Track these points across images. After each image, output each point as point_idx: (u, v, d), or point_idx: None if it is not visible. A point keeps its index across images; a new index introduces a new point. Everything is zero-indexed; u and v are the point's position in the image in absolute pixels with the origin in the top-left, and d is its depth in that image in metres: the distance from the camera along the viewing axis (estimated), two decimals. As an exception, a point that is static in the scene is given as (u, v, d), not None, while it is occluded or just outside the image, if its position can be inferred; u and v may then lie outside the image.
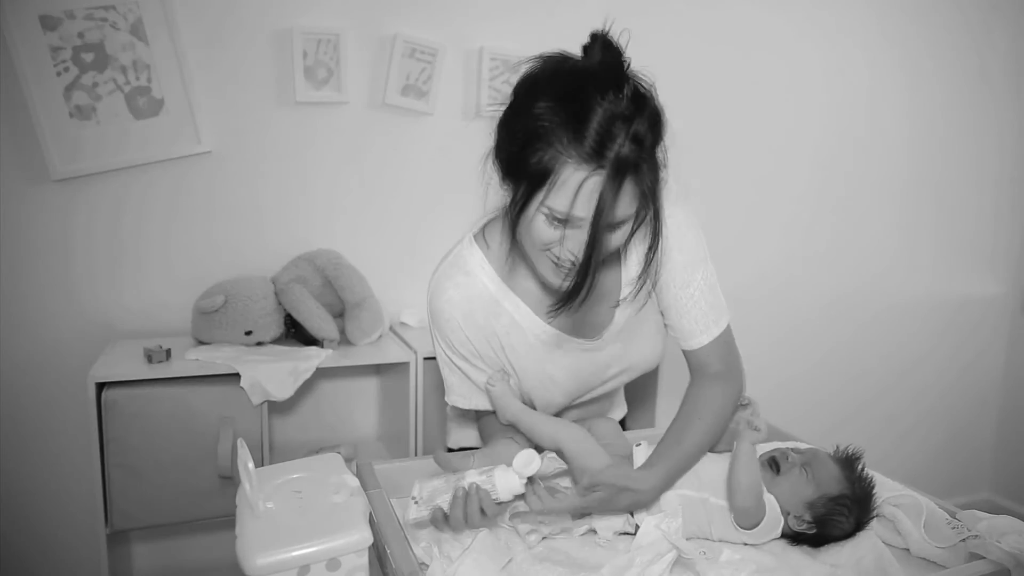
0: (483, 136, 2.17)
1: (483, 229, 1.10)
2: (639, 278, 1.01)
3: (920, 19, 2.52)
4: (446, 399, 1.15)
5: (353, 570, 0.76)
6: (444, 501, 0.91)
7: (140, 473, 1.51)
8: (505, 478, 0.90)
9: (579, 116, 0.83)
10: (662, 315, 1.12)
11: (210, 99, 1.75)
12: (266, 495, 0.80)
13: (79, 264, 1.73)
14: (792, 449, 1.05)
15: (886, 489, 1.05)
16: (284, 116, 1.83)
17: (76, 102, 1.64)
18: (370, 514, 0.84)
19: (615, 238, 0.92)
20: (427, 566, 0.87)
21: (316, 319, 1.71)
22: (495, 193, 0.99)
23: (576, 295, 0.92)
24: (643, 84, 0.87)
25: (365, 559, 0.77)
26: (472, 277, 1.06)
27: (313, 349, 1.71)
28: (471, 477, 0.92)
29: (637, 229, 0.93)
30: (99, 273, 1.75)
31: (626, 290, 1.07)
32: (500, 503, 0.91)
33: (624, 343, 1.12)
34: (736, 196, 2.34)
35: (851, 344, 2.68)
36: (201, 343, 1.69)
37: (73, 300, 1.74)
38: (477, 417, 1.20)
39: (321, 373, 1.72)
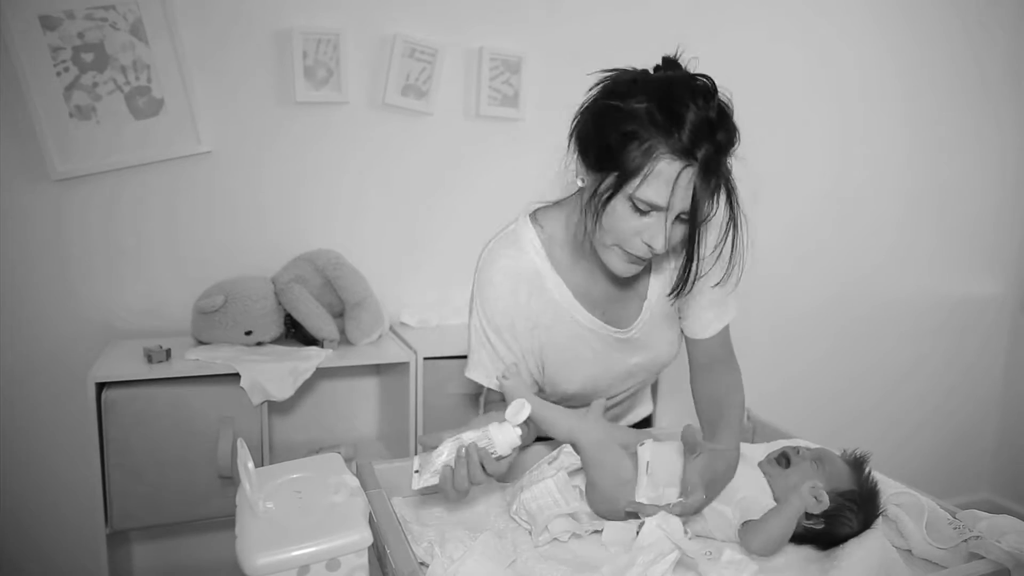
0: (483, 136, 2.17)
1: (536, 212, 1.17)
2: (725, 272, 1.07)
3: (919, 19, 2.52)
4: (466, 373, 1.18)
5: (353, 570, 0.76)
6: (448, 462, 0.92)
7: (140, 473, 1.51)
8: (501, 431, 0.92)
9: (676, 115, 0.92)
10: (679, 307, 1.19)
11: (210, 99, 1.75)
12: (266, 495, 0.80)
13: (79, 264, 1.73)
14: (802, 447, 1.06)
15: (888, 488, 1.05)
16: (284, 116, 1.83)
17: (76, 102, 1.64)
18: (370, 514, 0.84)
19: (680, 229, 1.00)
20: (427, 566, 0.86)
21: (316, 319, 1.71)
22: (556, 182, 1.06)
23: (687, 282, 1.02)
24: (725, 99, 0.98)
25: (365, 559, 0.77)
26: (523, 252, 1.13)
27: (313, 349, 1.71)
28: (468, 438, 0.93)
29: (707, 222, 1.01)
30: (98, 273, 1.75)
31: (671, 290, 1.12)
32: (500, 458, 0.93)
33: (647, 336, 1.19)
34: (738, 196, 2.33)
35: (851, 344, 2.68)
36: (201, 343, 1.69)
37: (73, 300, 1.74)
38: (485, 404, 1.24)
39: (321, 373, 1.72)
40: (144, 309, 1.79)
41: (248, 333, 1.68)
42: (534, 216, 1.16)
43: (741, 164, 1.01)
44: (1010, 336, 2.98)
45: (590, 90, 1.03)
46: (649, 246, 0.99)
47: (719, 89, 0.97)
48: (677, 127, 0.92)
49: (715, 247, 1.05)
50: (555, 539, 0.98)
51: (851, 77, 2.46)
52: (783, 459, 1.02)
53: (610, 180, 0.97)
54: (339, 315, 1.80)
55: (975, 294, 2.88)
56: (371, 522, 0.83)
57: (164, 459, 1.52)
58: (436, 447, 0.95)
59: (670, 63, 1.00)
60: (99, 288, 1.75)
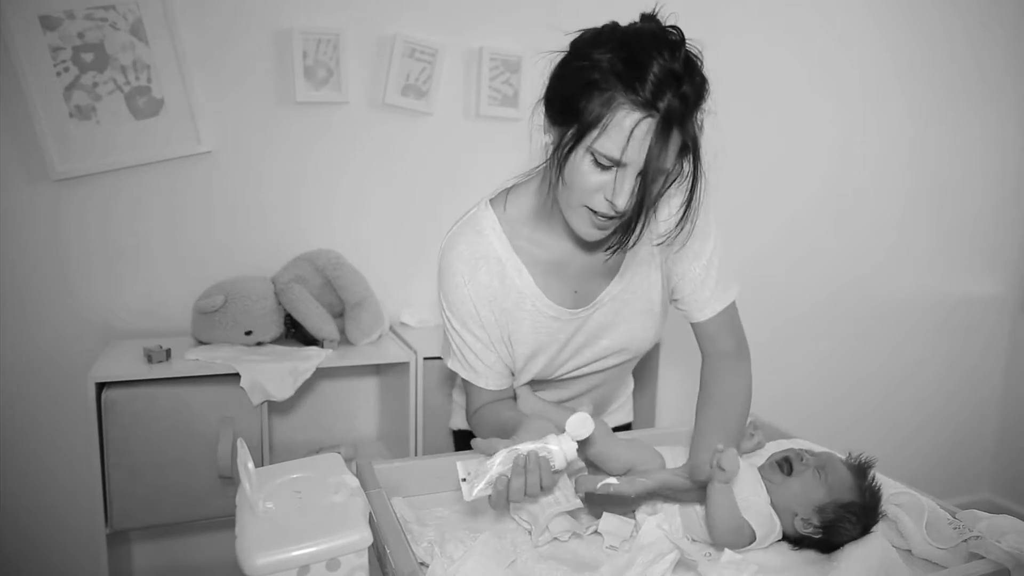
0: (483, 136, 2.17)
1: (505, 193, 1.14)
2: (677, 225, 1.03)
3: (919, 19, 2.52)
4: (447, 363, 1.18)
5: (353, 570, 0.76)
6: (503, 472, 0.89)
7: (140, 473, 1.51)
8: (560, 443, 0.89)
9: (638, 65, 0.88)
10: (672, 290, 1.16)
11: (210, 99, 1.75)
12: (266, 495, 0.80)
13: (78, 264, 1.73)
14: (807, 451, 1.04)
15: (888, 488, 1.05)
16: (284, 116, 1.83)
17: (76, 102, 1.64)
18: (370, 514, 0.84)
19: (655, 188, 0.95)
20: (427, 566, 0.86)
21: (316, 319, 1.71)
22: (537, 145, 1.03)
23: (629, 237, 0.97)
24: (694, 52, 0.93)
25: (365, 559, 0.77)
26: (482, 236, 1.10)
27: (313, 349, 1.71)
28: (526, 448, 0.89)
29: (672, 182, 0.97)
30: (98, 273, 1.75)
31: (643, 247, 1.09)
32: (556, 472, 0.90)
33: (616, 312, 1.15)
34: (738, 197, 2.33)
35: (851, 344, 2.68)
36: (201, 343, 1.69)
37: (72, 300, 1.74)
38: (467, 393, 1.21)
39: (321, 373, 1.72)
40: (144, 309, 1.79)
41: (248, 333, 1.68)
42: (496, 200, 1.13)
43: (710, 121, 0.96)
44: (1010, 336, 2.98)
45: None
46: (611, 203, 0.95)
47: (688, 41, 0.93)
48: (638, 77, 0.88)
49: (679, 207, 1.02)
50: (555, 539, 0.98)
51: (851, 77, 2.46)
52: (785, 464, 1.01)
53: (571, 132, 0.94)
54: (339, 315, 1.80)
55: (975, 294, 2.88)
56: (371, 522, 0.83)
57: (164, 459, 1.52)
58: (490, 455, 0.90)
59: (647, 18, 0.96)
60: (99, 288, 1.75)
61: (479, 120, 1.99)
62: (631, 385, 1.46)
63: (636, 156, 0.91)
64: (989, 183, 2.80)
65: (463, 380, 1.17)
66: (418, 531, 0.97)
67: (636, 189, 0.93)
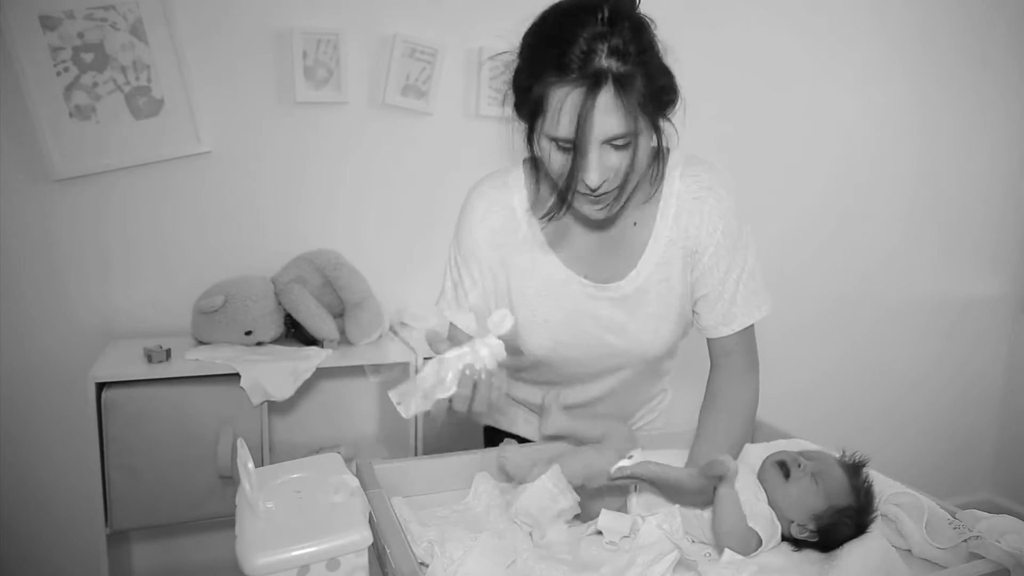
0: (483, 136, 2.17)
1: (528, 160, 1.12)
2: (655, 157, 1.01)
3: (924, 22, 2.52)
4: (435, 305, 1.19)
5: (353, 570, 0.76)
6: (425, 384, 0.88)
7: (140, 473, 1.51)
8: (488, 346, 0.88)
9: (559, 41, 0.87)
10: (695, 301, 1.12)
11: (210, 99, 1.75)
12: (266, 495, 0.80)
13: (78, 264, 1.73)
14: (801, 453, 1.03)
15: (887, 488, 1.05)
16: (284, 116, 1.83)
17: (76, 102, 1.64)
18: (370, 514, 0.84)
19: (616, 157, 0.92)
20: (427, 566, 0.86)
21: (316, 319, 1.71)
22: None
23: (562, 204, 0.95)
24: (624, 3, 0.89)
25: (365, 559, 0.77)
26: (506, 187, 1.10)
27: (313, 349, 1.71)
28: (453, 353, 0.88)
29: (636, 148, 0.92)
30: (98, 273, 1.75)
31: (655, 245, 1.07)
32: (491, 373, 0.88)
33: (628, 313, 1.11)
34: (741, 200, 2.33)
35: (851, 344, 2.68)
36: (201, 343, 1.69)
37: (72, 300, 1.74)
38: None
39: (321, 373, 1.72)
40: (144, 309, 1.79)
41: (248, 333, 1.68)
42: (528, 160, 1.11)
43: (677, 67, 0.93)
44: (1011, 337, 2.98)
45: None
46: (585, 183, 0.92)
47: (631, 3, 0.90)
48: (561, 51, 0.85)
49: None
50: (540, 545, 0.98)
51: (856, 83, 2.45)
52: (782, 467, 1.00)
53: (528, 124, 0.94)
54: (339, 315, 1.80)
55: (976, 295, 2.88)
56: (371, 522, 0.83)
57: (164, 459, 1.52)
58: (434, 348, 0.90)
59: None
60: (98, 288, 1.75)
61: (479, 120, 1.99)
62: (661, 399, 1.37)
63: (587, 129, 0.87)
64: (990, 184, 2.79)
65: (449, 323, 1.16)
66: (418, 531, 0.97)
67: (600, 162, 0.91)
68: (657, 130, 0.94)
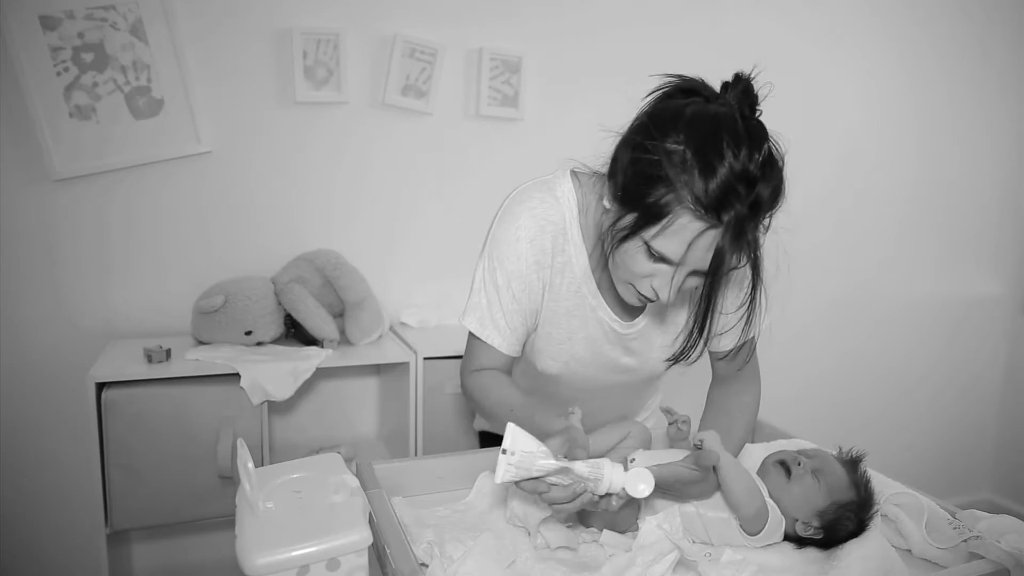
0: (483, 136, 2.17)
1: (578, 175, 1.08)
2: (743, 320, 1.01)
3: (923, 22, 2.52)
4: (462, 320, 1.10)
5: (353, 570, 0.76)
6: (538, 472, 0.81)
7: (140, 473, 1.51)
8: (614, 477, 0.82)
9: (710, 167, 0.83)
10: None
11: (210, 99, 1.75)
12: (266, 495, 0.80)
13: (78, 264, 1.73)
14: (800, 452, 1.04)
15: (887, 488, 1.05)
16: (284, 116, 1.83)
17: (76, 102, 1.64)
18: (370, 514, 0.84)
19: (694, 281, 0.93)
20: (427, 566, 0.86)
21: (316, 319, 1.71)
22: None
23: (693, 349, 0.97)
24: (777, 150, 0.89)
25: (365, 559, 0.77)
26: (558, 202, 1.04)
27: (313, 349, 1.71)
28: (580, 467, 0.82)
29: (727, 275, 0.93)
30: (98, 273, 1.75)
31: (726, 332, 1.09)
32: (595, 498, 0.85)
33: (645, 338, 1.12)
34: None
35: (851, 345, 2.68)
36: (201, 343, 1.69)
37: (72, 300, 1.74)
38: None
39: (321, 373, 1.72)
40: (144, 309, 1.79)
41: (248, 333, 1.68)
42: (574, 174, 1.07)
43: (773, 236, 0.93)
44: (1011, 337, 2.98)
45: (636, 116, 0.94)
46: (656, 293, 0.92)
47: (773, 137, 0.88)
48: (707, 179, 0.82)
49: (736, 309, 1.00)
50: (548, 547, 0.97)
51: (856, 83, 2.46)
52: (783, 466, 1.00)
53: (629, 219, 0.89)
54: (339, 315, 1.80)
55: (976, 295, 2.88)
56: (371, 522, 0.83)
57: (164, 459, 1.52)
58: (541, 452, 0.82)
59: (742, 85, 0.89)
60: (98, 288, 1.75)
61: (479, 120, 1.99)
62: (655, 400, 1.40)
63: (694, 262, 0.88)
64: (991, 184, 2.80)
65: (470, 337, 1.11)
66: (417, 531, 0.97)
67: (681, 284, 0.91)
68: (756, 268, 0.93)
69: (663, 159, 0.85)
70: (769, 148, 0.86)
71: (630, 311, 1.10)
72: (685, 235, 0.85)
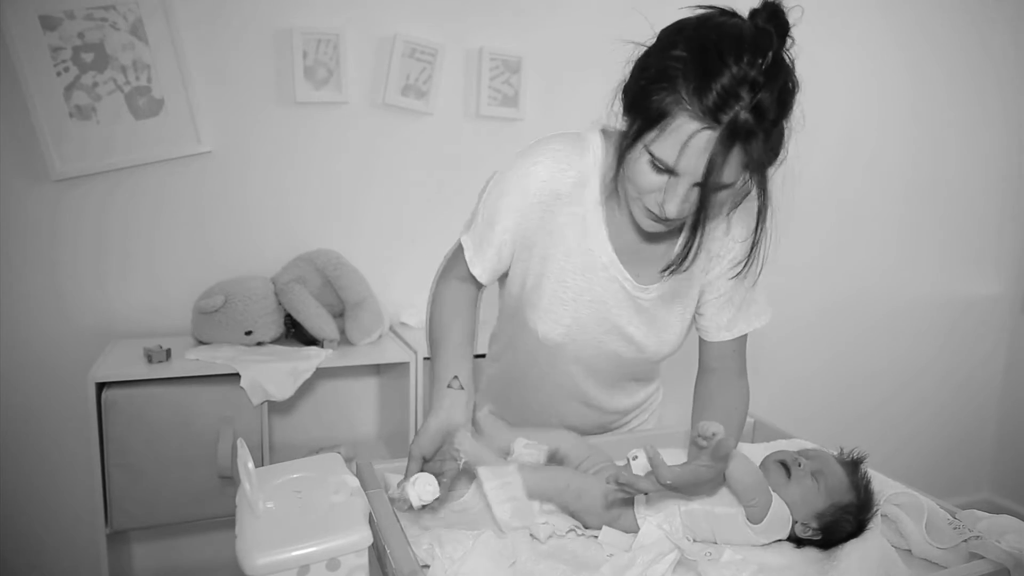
0: (483, 136, 2.17)
1: (606, 131, 1.06)
2: (750, 252, 0.98)
3: (925, 22, 2.52)
4: (461, 236, 1.13)
5: (353, 570, 0.76)
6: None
7: (140, 473, 1.51)
8: (413, 491, 0.92)
9: (708, 70, 0.82)
10: (699, 304, 1.11)
11: (210, 99, 1.75)
12: (266, 495, 0.80)
13: (78, 264, 1.73)
14: (800, 452, 1.03)
15: (887, 488, 1.05)
16: (284, 116, 1.83)
17: (76, 102, 1.64)
18: (370, 514, 0.84)
19: (716, 201, 0.91)
20: (428, 566, 0.86)
21: (316, 319, 1.71)
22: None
23: (686, 257, 0.93)
24: (788, 58, 0.86)
25: (365, 559, 0.77)
26: (584, 153, 1.03)
27: (313, 349, 1.71)
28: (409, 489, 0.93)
29: (740, 202, 0.93)
30: (98, 273, 1.75)
31: (715, 264, 1.07)
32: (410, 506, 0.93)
33: (655, 310, 1.10)
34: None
35: (851, 345, 2.68)
36: (201, 343, 1.69)
37: (72, 300, 1.74)
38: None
39: (321, 373, 1.72)
40: (144, 309, 1.79)
41: (248, 333, 1.68)
42: (605, 132, 1.05)
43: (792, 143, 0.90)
44: (1010, 336, 2.98)
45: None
46: (661, 208, 0.90)
47: (786, 48, 0.85)
48: (707, 82, 0.81)
49: (746, 238, 0.97)
50: (554, 535, 0.97)
51: (855, 83, 2.45)
52: (783, 466, 1.00)
53: (635, 126, 0.89)
54: (339, 315, 1.80)
55: (976, 295, 2.88)
56: (371, 522, 0.83)
57: (164, 459, 1.52)
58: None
59: (768, 8, 0.86)
60: (98, 288, 1.75)
61: (479, 120, 2.00)
62: (653, 399, 1.37)
63: (691, 167, 0.85)
64: (991, 184, 2.80)
65: (459, 248, 1.12)
66: (417, 532, 0.97)
67: (695, 199, 0.89)
68: (763, 189, 0.91)
69: (665, 63, 0.85)
70: (776, 56, 0.84)
71: (645, 278, 1.08)
72: (680, 136, 0.84)
